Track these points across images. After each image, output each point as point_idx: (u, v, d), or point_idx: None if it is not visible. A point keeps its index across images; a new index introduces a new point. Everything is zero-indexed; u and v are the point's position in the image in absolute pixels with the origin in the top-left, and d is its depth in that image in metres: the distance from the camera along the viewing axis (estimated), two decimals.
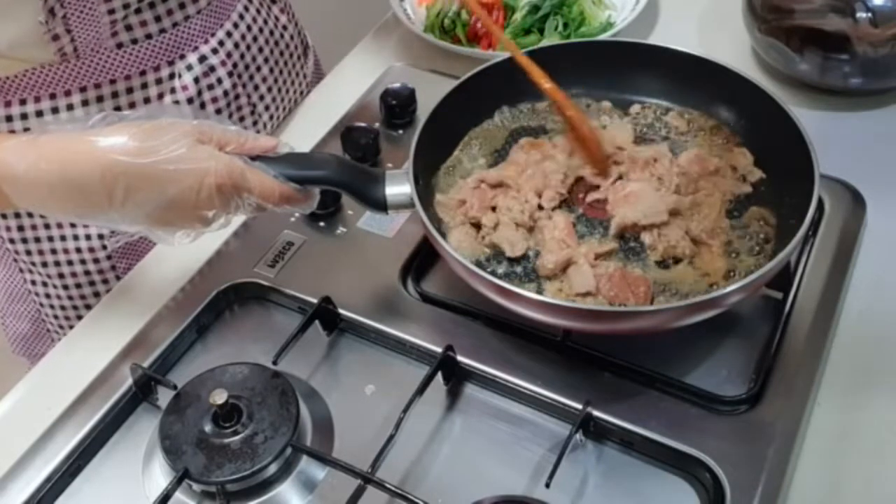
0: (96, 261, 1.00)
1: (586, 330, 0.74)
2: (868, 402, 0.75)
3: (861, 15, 0.95)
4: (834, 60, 0.99)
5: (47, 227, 0.98)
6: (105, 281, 1.02)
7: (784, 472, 0.69)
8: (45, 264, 1.00)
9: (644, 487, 0.71)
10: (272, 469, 0.71)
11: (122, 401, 0.77)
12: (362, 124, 0.98)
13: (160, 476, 0.73)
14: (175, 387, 0.75)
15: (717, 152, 0.86)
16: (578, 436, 0.72)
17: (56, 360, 0.85)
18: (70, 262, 1.00)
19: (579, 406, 0.72)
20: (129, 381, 0.78)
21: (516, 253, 0.78)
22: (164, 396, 0.77)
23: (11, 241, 0.99)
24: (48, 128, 0.70)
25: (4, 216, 0.98)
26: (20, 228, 0.98)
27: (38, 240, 0.99)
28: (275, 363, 0.76)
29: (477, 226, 0.81)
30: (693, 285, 0.76)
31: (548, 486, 0.66)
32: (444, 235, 0.80)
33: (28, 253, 1.00)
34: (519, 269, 0.78)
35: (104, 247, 0.99)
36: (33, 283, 1.03)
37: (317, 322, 0.81)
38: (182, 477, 0.69)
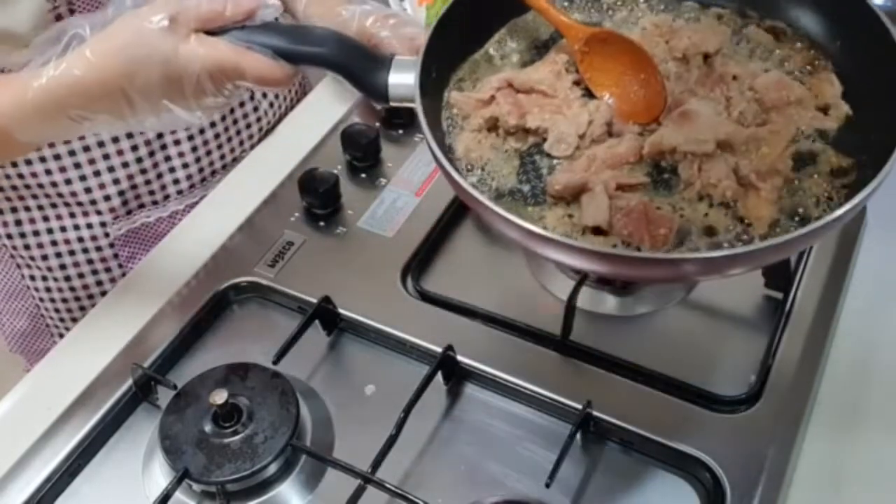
0: (98, 248, 1.00)
1: (582, 267, 0.66)
2: (868, 401, 0.75)
3: None
4: None
5: (46, 219, 0.98)
6: (108, 269, 1.02)
7: (784, 472, 0.69)
8: (45, 257, 1.00)
9: (644, 487, 0.71)
10: (272, 469, 0.71)
11: (122, 401, 0.77)
12: (362, 124, 0.98)
13: (160, 476, 0.73)
14: (175, 387, 0.75)
15: (800, 77, 0.71)
16: (578, 436, 0.72)
17: (56, 360, 0.85)
18: (72, 252, 1.00)
19: (579, 406, 0.72)
20: (129, 381, 0.78)
21: (559, 152, 0.68)
22: (164, 396, 0.77)
23: (9, 236, 1.00)
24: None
25: (1, 211, 0.98)
26: (18, 223, 0.98)
27: (37, 233, 0.99)
28: (275, 363, 0.76)
29: (493, 129, 0.70)
30: (725, 234, 0.63)
31: (548, 486, 0.66)
32: (452, 138, 0.70)
33: (27, 247, 1.00)
34: (527, 187, 0.67)
35: (107, 234, 0.99)
36: (32, 278, 1.03)
37: (317, 322, 0.81)
38: (182, 477, 0.69)
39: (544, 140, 0.69)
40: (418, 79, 0.65)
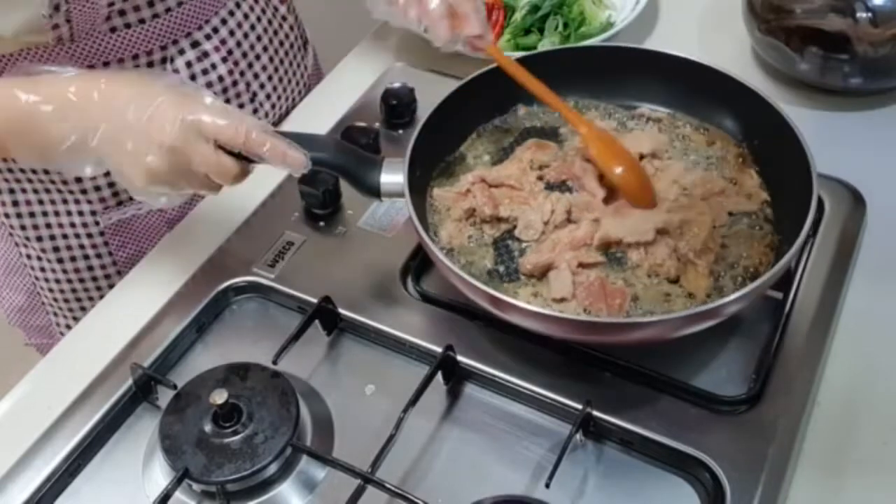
0: (90, 236, 1.00)
1: (568, 339, 0.75)
2: (868, 400, 0.75)
3: (861, 15, 0.95)
4: (834, 60, 0.99)
5: (41, 202, 0.98)
6: (99, 255, 1.02)
7: (784, 472, 0.69)
8: (39, 238, 1.01)
9: (644, 487, 0.71)
10: (272, 469, 0.71)
11: (122, 401, 0.78)
12: (362, 124, 0.98)
13: (160, 476, 0.73)
14: (175, 387, 0.75)
15: (726, 169, 0.84)
16: (578, 436, 0.72)
17: (56, 358, 0.85)
18: (65, 237, 1.00)
19: (579, 406, 0.72)
20: (130, 381, 0.78)
21: (528, 236, 0.80)
22: (164, 396, 0.77)
23: (6, 215, 1.00)
24: None
25: (0, 190, 0.98)
26: (15, 203, 0.99)
27: (32, 214, 0.99)
28: (275, 363, 0.76)
29: (471, 218, 0.82)
30: (673, 303, 0.75)
31: (548, 486, 0.67)
32: (436, 227, 0.82)
33: (23, 227, 1.00)
34: (502, 268, 0.79)
35: (97, 223, 0.99)
36: (28, 256, 1.04)
37: (317, 322, 0.81)
38: (182, 477, 0.69)
39: (514, 227, 0.81)
40: (406, 178, 0.76)
